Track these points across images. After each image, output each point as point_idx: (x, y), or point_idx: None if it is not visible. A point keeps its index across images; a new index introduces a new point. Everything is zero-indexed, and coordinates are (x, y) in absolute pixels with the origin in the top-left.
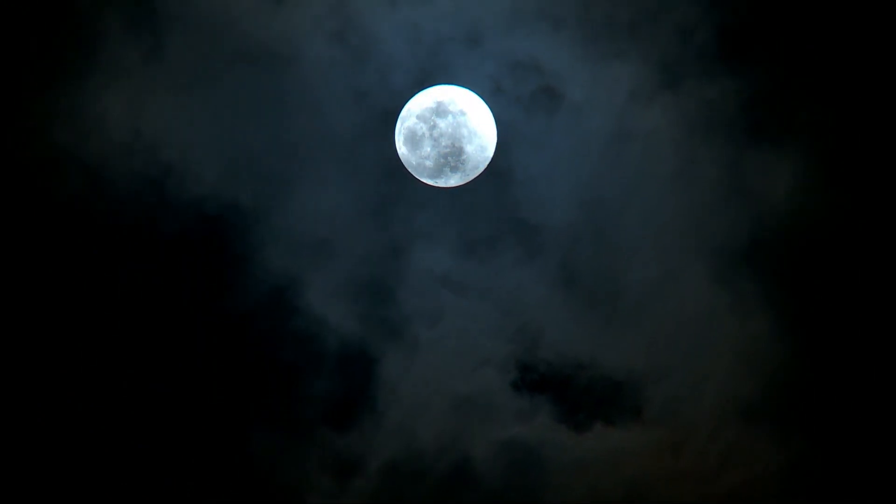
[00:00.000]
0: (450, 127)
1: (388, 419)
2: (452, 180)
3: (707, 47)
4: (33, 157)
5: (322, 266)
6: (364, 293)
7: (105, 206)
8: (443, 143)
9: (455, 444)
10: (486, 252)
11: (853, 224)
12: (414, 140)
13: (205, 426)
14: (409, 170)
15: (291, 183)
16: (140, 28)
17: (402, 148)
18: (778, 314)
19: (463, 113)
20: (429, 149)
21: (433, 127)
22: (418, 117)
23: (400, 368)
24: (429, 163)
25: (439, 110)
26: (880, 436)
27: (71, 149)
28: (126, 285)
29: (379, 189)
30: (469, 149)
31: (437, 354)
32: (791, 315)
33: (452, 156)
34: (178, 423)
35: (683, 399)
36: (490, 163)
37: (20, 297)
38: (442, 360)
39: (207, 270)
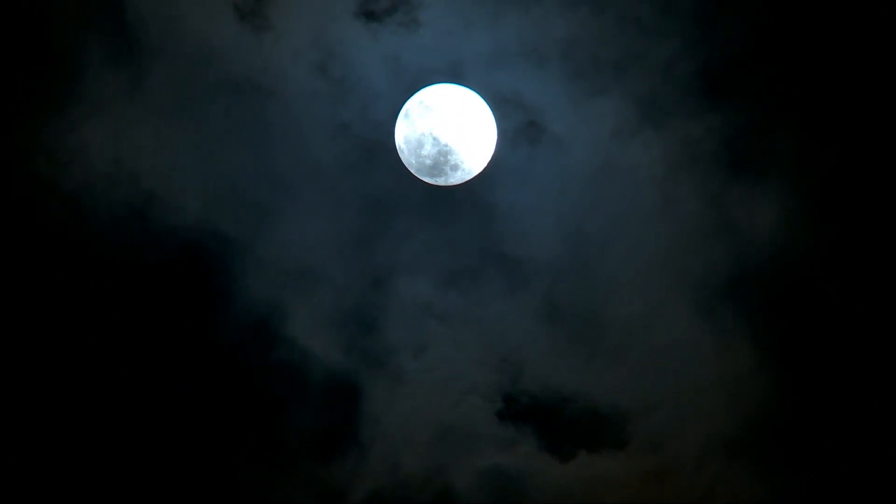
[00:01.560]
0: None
1: (373, 449)
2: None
3: (690, 84)
4: (14, 188)
5: (306, 296)
6: (348, 323)
7: (86, 237)
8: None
9: (439, 474)
10: (469, 284)
11: (835, 258)
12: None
13: (188, 457)
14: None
15: (274, 213)
16: (122, 59)
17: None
18: (761, 348)
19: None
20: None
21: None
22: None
23: (384, 398)
24: (429, 161)
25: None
26: (862, 469)
27: (52, 179)
28: (108, 315)
29: (362, 220)
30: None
31: (422, 384)
32: (774, 349)
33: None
34: (162, 454)
35: (667, 430)
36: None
37: (0, 328)
38: (426, 389)
39: (190, 301)
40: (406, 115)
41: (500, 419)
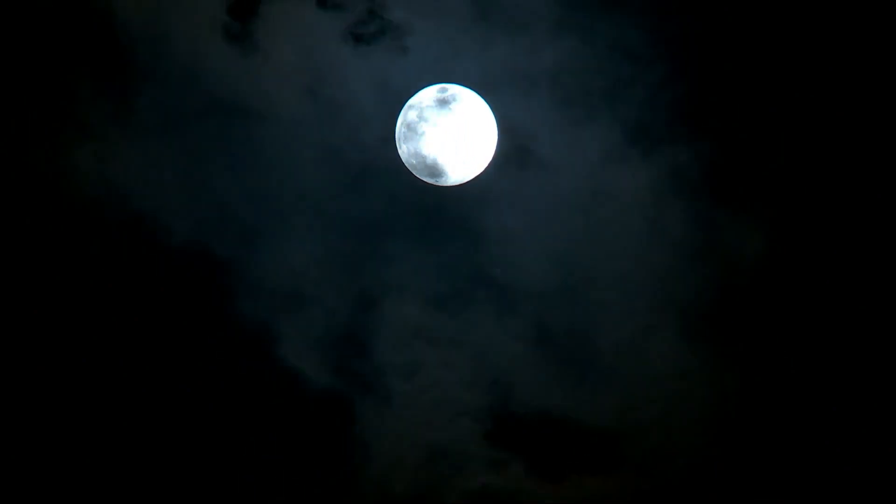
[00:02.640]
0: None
1: (364, 471)
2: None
3: (678, 111)
4: (2, 211)
5: (295, 318)
6: (338, 346)
7: (76, 258)
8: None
9: (430, 496)
10: (459, 307)
11: (820, 283)
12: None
13: (177, 481)
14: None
15: (264, 235)
16: (111, 81)
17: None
18: (748, 371)
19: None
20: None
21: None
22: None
23: (375, 420)
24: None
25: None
26: (850, 490)
27: (41, 202)
28: (97, 337)
29: (351, 242)
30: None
31: (413, 406)
32: (761, 372)
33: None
34: (152, 475)
35: (658, 454)
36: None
37: None
38: (417, 411)
39: (179, 322)
40: (409, 114)
41: (489, 441)
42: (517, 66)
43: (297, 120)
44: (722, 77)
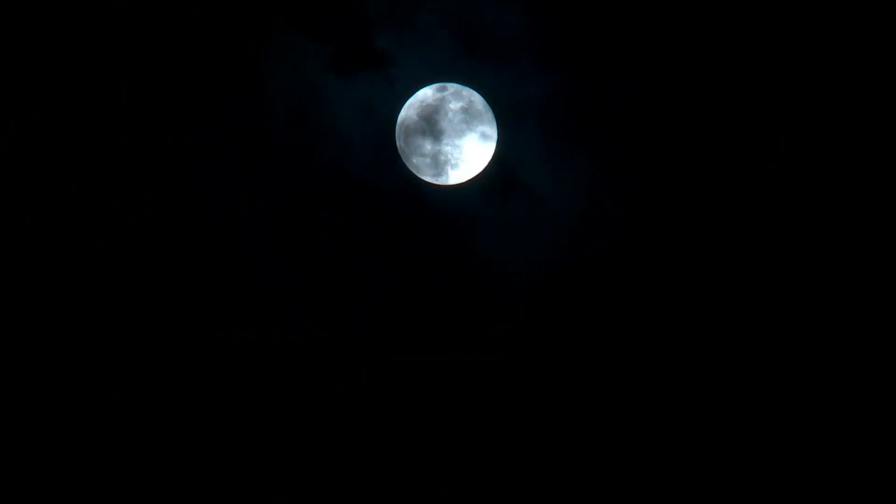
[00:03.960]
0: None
1: None
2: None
3: (662, 140)
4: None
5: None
6: None
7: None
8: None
9: None
10: None
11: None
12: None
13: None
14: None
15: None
16: None
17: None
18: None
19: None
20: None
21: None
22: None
23: None
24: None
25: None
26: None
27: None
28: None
29: (337, 268)
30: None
31: None
32: None
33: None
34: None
35: None
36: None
37: None
38: None
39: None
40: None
41: None
42: (502, 97)
43: (282, 145)
44: (710, 106)
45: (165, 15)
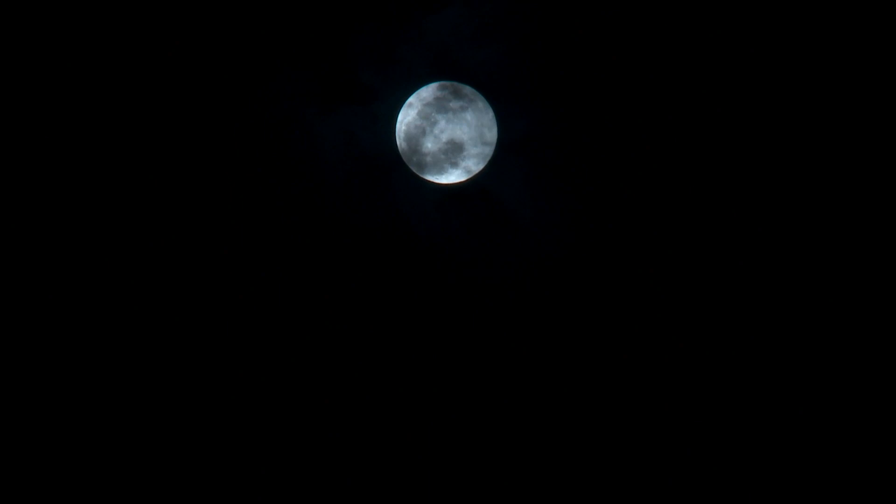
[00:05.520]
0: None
1: None
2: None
3: (647, 174)
4: None
5: None
6: None
7: None
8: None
9: None
10: None
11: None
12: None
13: None
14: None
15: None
16: None
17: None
18: None
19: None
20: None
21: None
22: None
23: None
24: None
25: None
26: None
27: None
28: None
29: (321, 293)
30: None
31: None
32: None
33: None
34: None
35: None
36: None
37: None
38: None
39: None
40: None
41: None
42: (483, 136)
43: (262, 170)
44: (695, 142)
45: (147, 46)
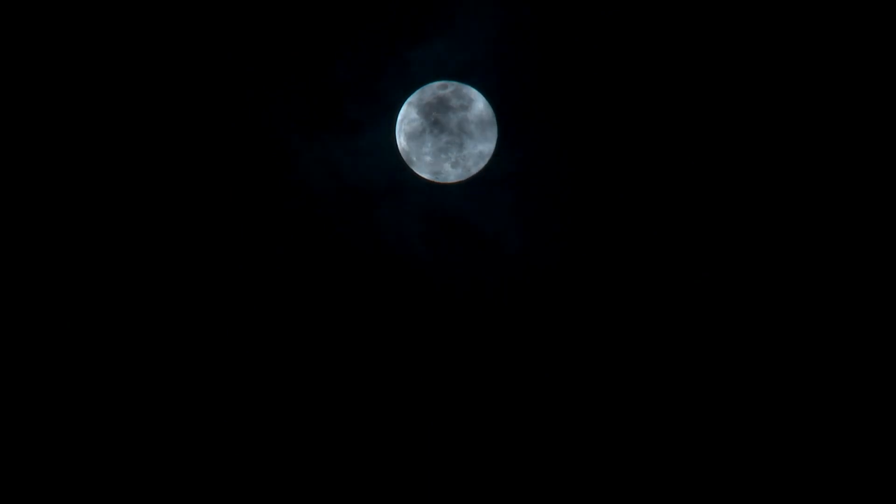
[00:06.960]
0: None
1: None
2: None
3: (636, 205)
4: None
5: None
6: None
7: None
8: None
9: None
10: None
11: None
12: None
13: None
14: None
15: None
16: None
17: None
18: None
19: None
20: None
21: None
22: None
23: None
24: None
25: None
26: None
27: None
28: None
29: (306, 322)
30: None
31: None
32: None
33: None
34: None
35: None
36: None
37: None
38: None
39: None
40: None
41: None
42: (469, 171)
43: (248, 196)
44: (683, 167)
45: (135, 72)
